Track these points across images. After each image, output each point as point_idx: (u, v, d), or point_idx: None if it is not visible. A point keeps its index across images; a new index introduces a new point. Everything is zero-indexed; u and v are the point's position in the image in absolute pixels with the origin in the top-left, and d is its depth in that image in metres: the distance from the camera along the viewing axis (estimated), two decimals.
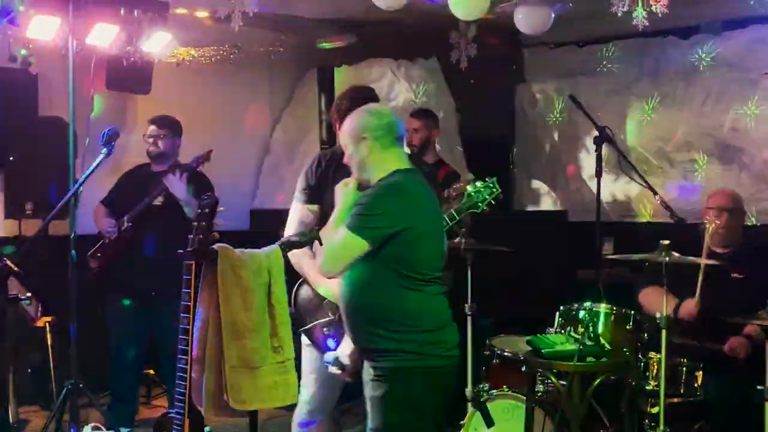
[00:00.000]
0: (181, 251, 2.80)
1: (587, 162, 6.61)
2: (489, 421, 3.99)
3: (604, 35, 6.63)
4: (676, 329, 4.03)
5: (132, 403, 5.34)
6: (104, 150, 3.69)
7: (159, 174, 5.07)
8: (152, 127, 5.20)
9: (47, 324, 5.33)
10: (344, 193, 3.03)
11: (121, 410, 5.24)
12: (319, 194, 3.43)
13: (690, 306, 4.17)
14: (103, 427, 4.27)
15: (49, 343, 5.33)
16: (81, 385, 4.31)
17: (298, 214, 3.45)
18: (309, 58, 7.33)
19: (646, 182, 4.61)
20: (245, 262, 2.76)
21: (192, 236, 2.77)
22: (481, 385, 4.27)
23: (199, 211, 2.80)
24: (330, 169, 3.45)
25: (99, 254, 5.20)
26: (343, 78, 7.26)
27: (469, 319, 4.45)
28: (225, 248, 2.76)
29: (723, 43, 6.07)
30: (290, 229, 3.40)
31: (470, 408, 4.18)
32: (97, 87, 5.33)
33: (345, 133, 3.08)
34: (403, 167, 3.02)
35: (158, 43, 5.51)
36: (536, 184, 7.08)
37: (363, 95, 3.45)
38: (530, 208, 7.11)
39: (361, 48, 6.92)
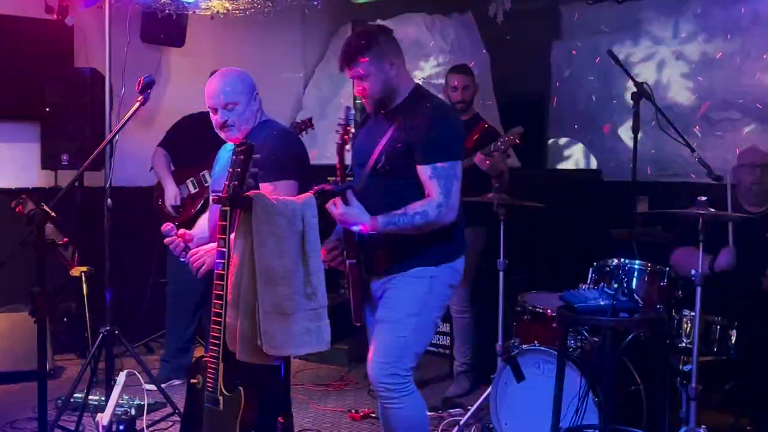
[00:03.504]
0: (217, 197, 2.81)
1: (624, 119, 6.53)
2: (519, 376, 4.00)
3: None
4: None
5: (188, 354, 5.40)
6: (140, 98, 3.68)
7: None
8: None
9: (83, 273, 5.39)
10: None
11: (177, 362, 5.31)
12: None
13: (727, 255, 4.11)
14: (137, 373, 4.32)
15: (84, 292, 5.41)
16: (116, 333, 4.37)
17: None
18: (343, 13, 7.28)
19: (684, 139, 4.53)
20: (279, 209, 2.76)
21: (227, 182, 2.78)
22: (512, 341, 4.27)
23: (234, 157, 2.81)
24: None
25: (181, 209, 5.21)
26: None
27: (501, 274, 4.46)
28: (260, 195, 2.76)
29: (764, 0, 5.93)
30: None
31: (500, 362, 4.19)
32: (132, 39, 5.34)
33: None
34: None
35: None
36: (571, 141, 7.01)
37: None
38: (565, 166, 7.05)
39: (395, 2, 6.86)
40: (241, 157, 2.77)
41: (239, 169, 2.76)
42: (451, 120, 3.25)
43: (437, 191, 3.09)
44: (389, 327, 3.18)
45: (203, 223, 3.59)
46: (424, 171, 3.10)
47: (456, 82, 5.15)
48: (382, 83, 3.20)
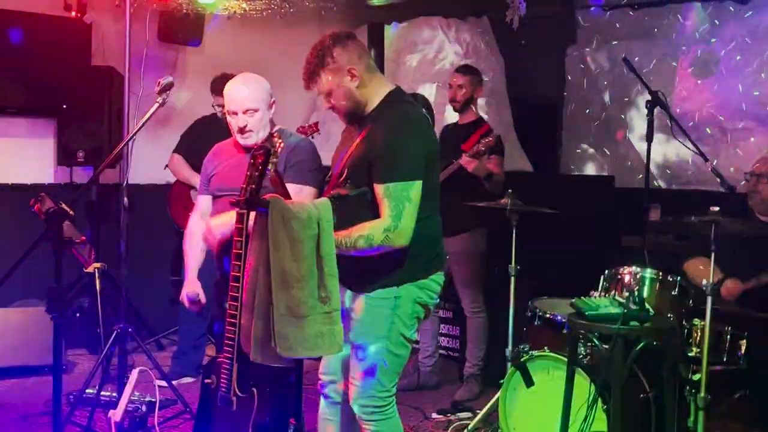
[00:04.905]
0: (233, 200, 2.84)
1: (637, 127, 6.54)
2: (528, 381, 4.02)
3: None
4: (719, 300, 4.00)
5: (199, 352, 5.42)
6: (159, 99, 3.72)
7: None
8: None
9: (96, 270, 5.43)
10: None
11: (189, 360, 5.33)
12: None
13: (733, 287, 4.15)
14: (149, 370, 4.36)
15: (98, 288, 5.45)
16: (129, 330, 4.41)
17: None
18: (359, 15, 7.29)
19: (697, 149, 4.54)
20: (295, 212, 2.78)
21: (244, 186, 2.81)
22: (522, 346, 4.29)
23: (252, 161, 2.83)
24: None
25: None
26: (393, 35, 7.23)
27: (512, 280, 4.47)
28: (276, 198, 2.79)
29: None
30: None
31: (510, 368, 4.21)
32: (150, 38, 5.39)
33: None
34: None
35: None
36: (584, 148, 7.02)
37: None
38: (577, 173, 7.06)
39: (411, 5, 6.89)
40: (259, 160, 2.80)
41: (257, 173, 2.79)
42: (407, 136, 2.97)
43: (387, 213, 2.90)
44: (361, 351, 3.06)
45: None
46: (378, 190, 2.93)
47: (451, 80, 5.22)
48: (345, 96, 3.05)
